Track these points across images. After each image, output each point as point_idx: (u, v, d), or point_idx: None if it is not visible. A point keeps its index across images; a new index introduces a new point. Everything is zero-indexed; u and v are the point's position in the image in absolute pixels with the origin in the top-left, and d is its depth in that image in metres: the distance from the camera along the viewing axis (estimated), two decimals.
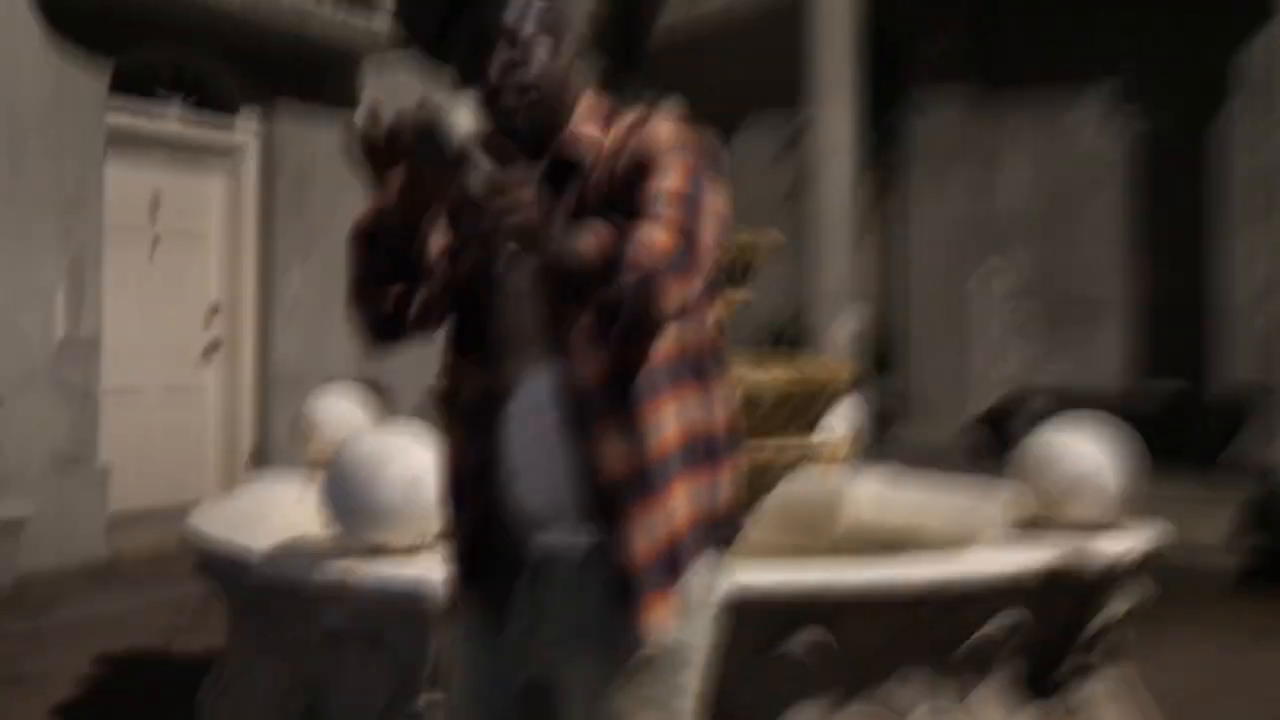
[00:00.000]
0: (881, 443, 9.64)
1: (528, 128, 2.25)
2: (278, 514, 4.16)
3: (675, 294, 2.07)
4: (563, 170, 2.24)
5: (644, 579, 2.16)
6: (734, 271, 4.36)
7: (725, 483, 2.28)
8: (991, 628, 3.52)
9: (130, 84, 8.88)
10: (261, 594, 3.63)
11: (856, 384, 4.95)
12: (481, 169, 2.02)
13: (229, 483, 9.20)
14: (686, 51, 12.07)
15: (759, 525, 4.26)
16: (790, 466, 4.40)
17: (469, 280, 2.29)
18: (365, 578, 3.36)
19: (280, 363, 9.69)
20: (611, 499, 2.17)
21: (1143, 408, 10.37)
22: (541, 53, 2.25)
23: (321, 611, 3.42)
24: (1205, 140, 10.64)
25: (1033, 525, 4.00)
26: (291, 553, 3.63)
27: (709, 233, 2.16)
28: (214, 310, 9.52)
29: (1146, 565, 3.95)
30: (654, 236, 2.06)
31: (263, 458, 9.34)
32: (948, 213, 11.73)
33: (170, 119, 9.25)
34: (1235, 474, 9.20)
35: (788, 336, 10.60)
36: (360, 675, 3.40)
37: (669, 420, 2.19)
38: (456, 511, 2.34)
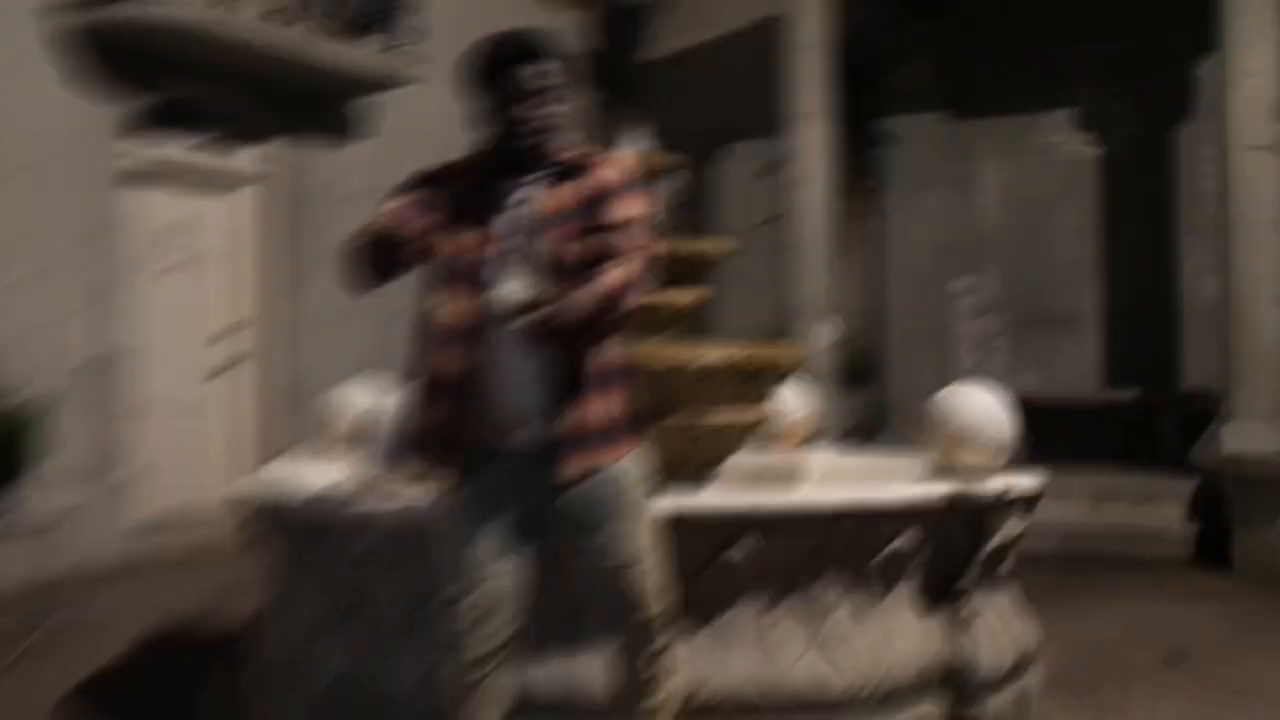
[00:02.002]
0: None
1: (537, 151, 3.57)
2: (307, 477, 5.23)
3: (637, 303, 3.50)
4: (555, 179, 3.58)
5: (571, 446, 3.48)
6: (689, 273, 5.44)
7: (628, 397, 3.58)
8: (898, 545, 4.58)
9: (148, 116, 9.82)
10: (305, 531, 4.71)
11: (804, 365, 5.98)
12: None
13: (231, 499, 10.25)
14: (675, 83, 13.06)
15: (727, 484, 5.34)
16: (743, 432, 5.45)
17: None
18: (388, 510, 4.42)
19: (290, 377, 10.67)
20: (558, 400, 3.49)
21: (1112, 411, 11.47)
22: (559, 101, 3.58)
23: (352, 542, 4.50)
24: (1161, 162, 11.69)
25: (940, 473, 5.08)
26: (323, 499, 4.72)
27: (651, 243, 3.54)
28: (227, 329, 10.55)
29: (1027, 503, 5.02)
30: (628, 272, 3.44)
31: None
32: (923, 232, 12.77)
33: (185, 149, 10.22)
34: (1195, 469, 10.23)
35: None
36: (385, 590, 4.46)
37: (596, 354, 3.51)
38: (434, 407, 3.54)
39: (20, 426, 8.48)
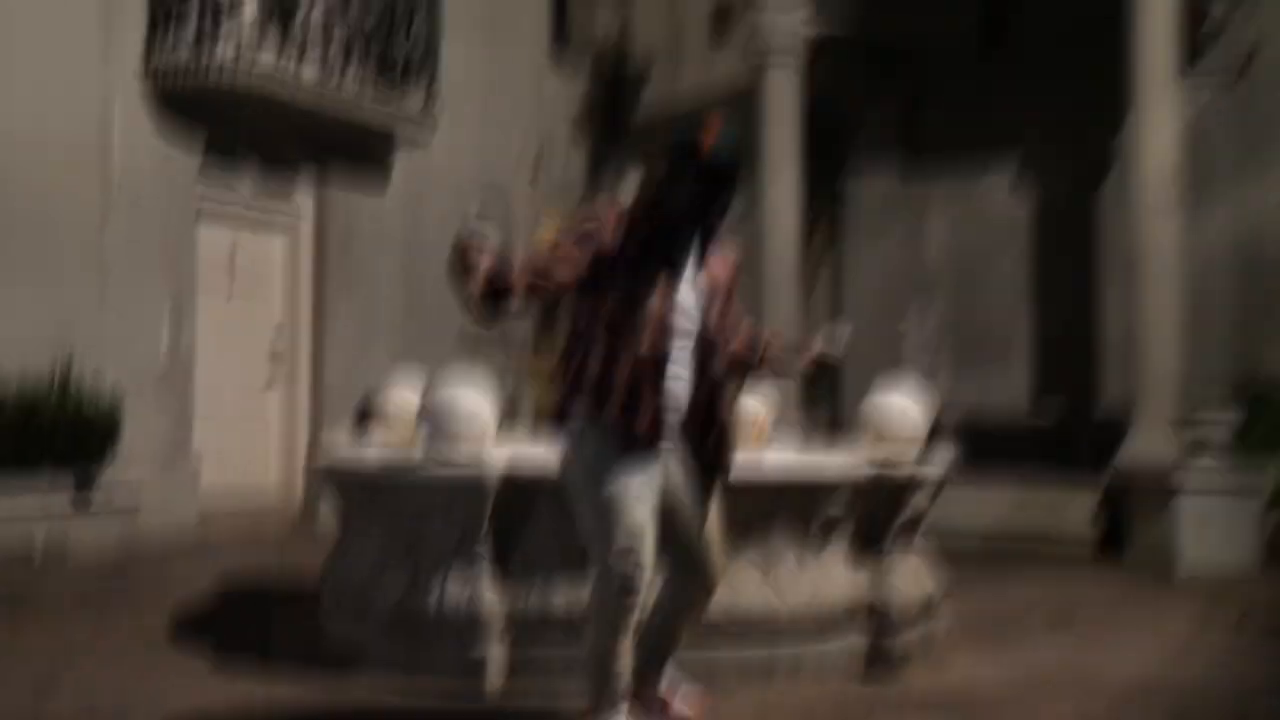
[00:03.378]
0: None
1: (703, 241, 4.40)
2: (373, 450, 6.21)
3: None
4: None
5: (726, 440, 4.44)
6: None
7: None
8: (833, 510, 5.60)
9: (215, 157, 10.72)
10: (375, 485, 5.70)
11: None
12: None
13: (290, 474, 11.20)
14: (662, 129, 13.74)
15: None
16: None
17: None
18: (444, 472, 5.41)
19: (329, 380, 11.59)
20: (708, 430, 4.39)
21: (1041, 423, 12.34)
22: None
23: (416, 492, 5.48)
24: (1087, 211, 12.42)
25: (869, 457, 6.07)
26: (393, 462, 5.71)
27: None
28: (278, 339, 11.48)
29: (937, 483, 6.02)
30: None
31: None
32: (881, 265, 13.57)
33: (245, 186, 11.15)
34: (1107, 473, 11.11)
35: None
36: (439, 533, 5.43)
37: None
38: (639, 406, 4.27)
39: (112, 418, 9.39)
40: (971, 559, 8.35)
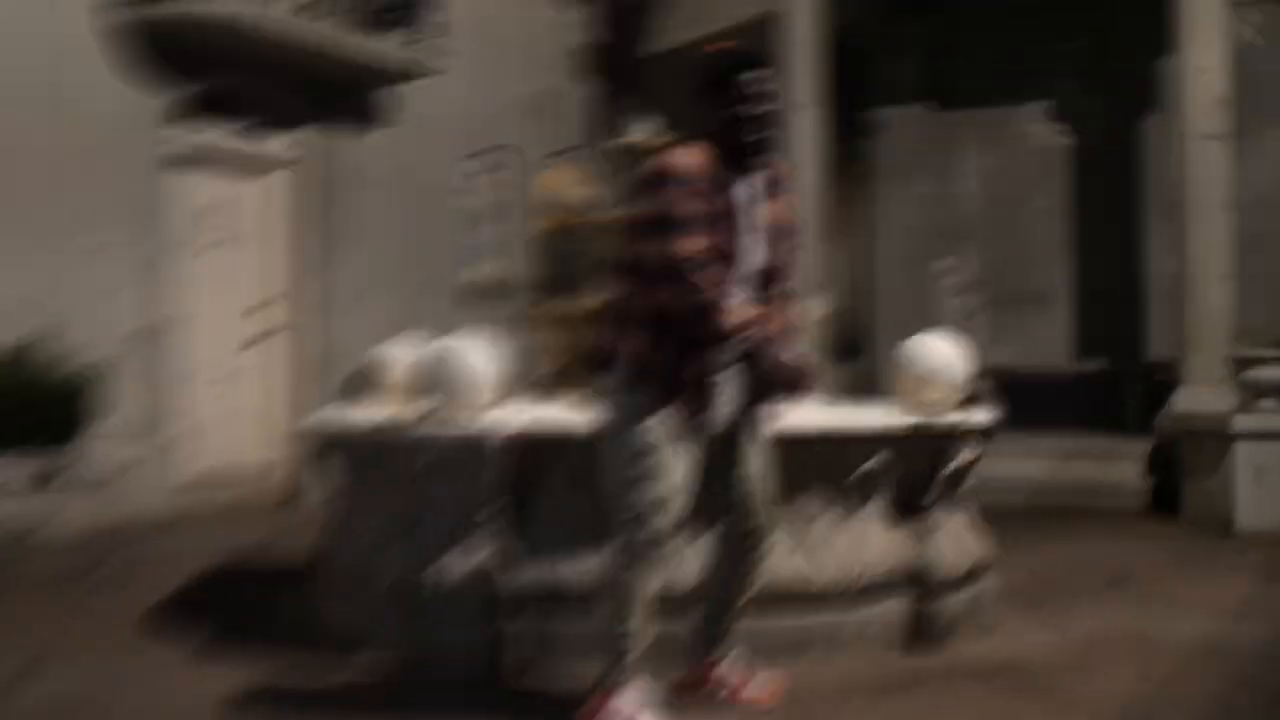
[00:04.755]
0: None
1: (761, 145, 4.44)
2: (368, 413, 6.12)
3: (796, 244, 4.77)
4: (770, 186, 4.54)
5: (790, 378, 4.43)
6: None
7: None
8: (869, 465, 5.50)
9: (191, 103, 10.48)
10: (375, 450, 5.60)
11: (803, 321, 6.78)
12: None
13: (274, 448, 11.10)
14: (675, 75, 13.73)
15: None
16: None
17: None
18: (445, 432, 5.31)
19: (319, 346, 11.42)
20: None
21: (1081, 381, 12.31)
22: (773, 102, 4.49)
23: (417, 457, 5.38)
24: (1128, 150, 12.41)
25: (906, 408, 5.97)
26: (392, 423, 5.61)
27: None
28: (262, 302, 11.33)
29: (982, 434, 5.92)
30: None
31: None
32: (909, 216, 13.55)
33: (225, 135, 10.92)
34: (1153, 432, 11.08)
35: None
36: (442, 500, 5.34)
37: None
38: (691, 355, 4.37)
39: (79, 389, 9.23)
40: (1016, 516, 8.32)
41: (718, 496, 4.55)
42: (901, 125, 13.66)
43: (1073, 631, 5.91)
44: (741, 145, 4.40)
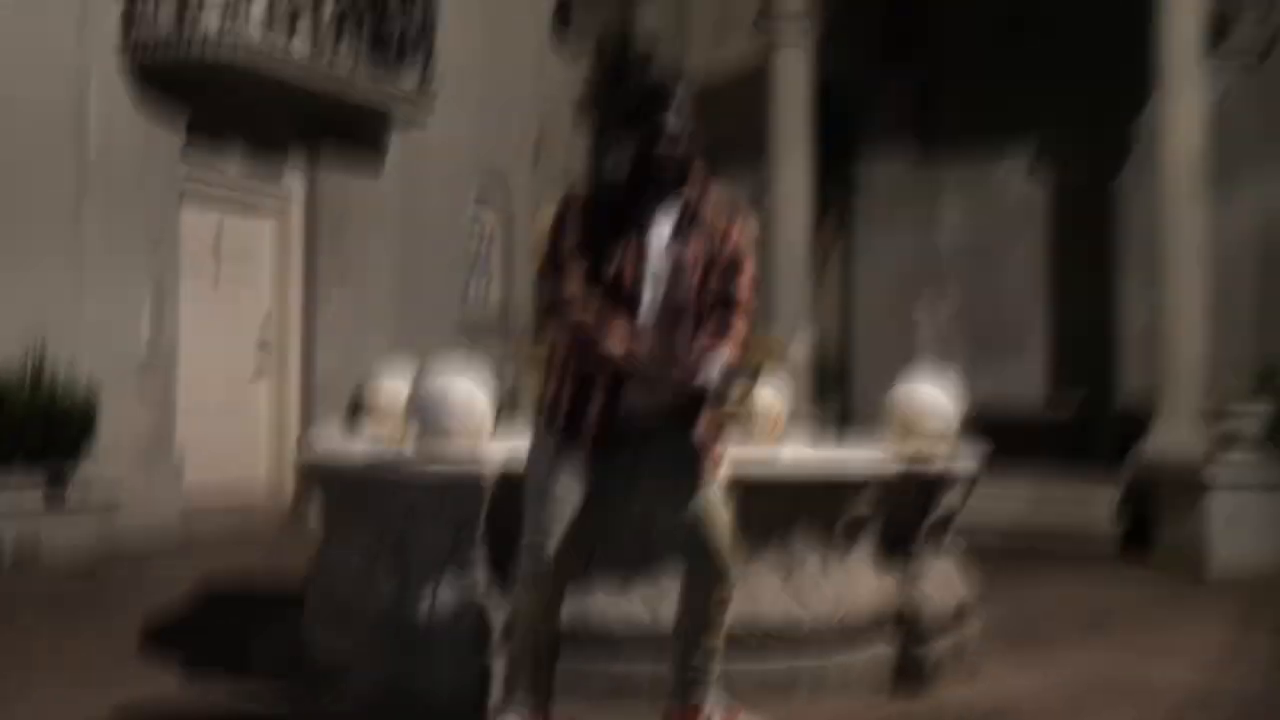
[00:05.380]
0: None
1: (669, 175, 4.01)
2: (359, 445, 5.75)
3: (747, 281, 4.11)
4: (684, 212, 4.05)
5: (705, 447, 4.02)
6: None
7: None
8: (858, 510, 5.13)
9: (200, 136, 10.25)
10: (360, 483, 5.23)
11: (786, 354, 6.47)
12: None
13: (278, 471, 10.75)
14: None
15: None
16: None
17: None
18: (437, 467, 4.94)
19: (320, 371, 11.13)
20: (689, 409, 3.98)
21: (1057, 416, 11.97)
22: (689, 128, 4.02)
23: (404, 491, 5.01)
24: (1109, 192, 12.16)
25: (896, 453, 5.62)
26: (381, 457, 5.23)
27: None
28: (266, 328, 11.02)
29: (968, 480, 5.56)
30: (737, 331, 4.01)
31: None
32: (894, 251, 13.22)
33: (231, 167, 10.68)
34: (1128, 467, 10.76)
35: None
36: (431, 534, 4.97)
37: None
38: (589, 398, 4.01)
39: (89, 410, 8.92)
40: (990, 557, 7.80)
41: (670, 536, 4.17)
42: (885, 170, 13.35)
43: (1058, 676, 5.54)
44: (650, 167, 4.00)
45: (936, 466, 5.37)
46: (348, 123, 11.37)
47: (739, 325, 4.03)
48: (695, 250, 4.03)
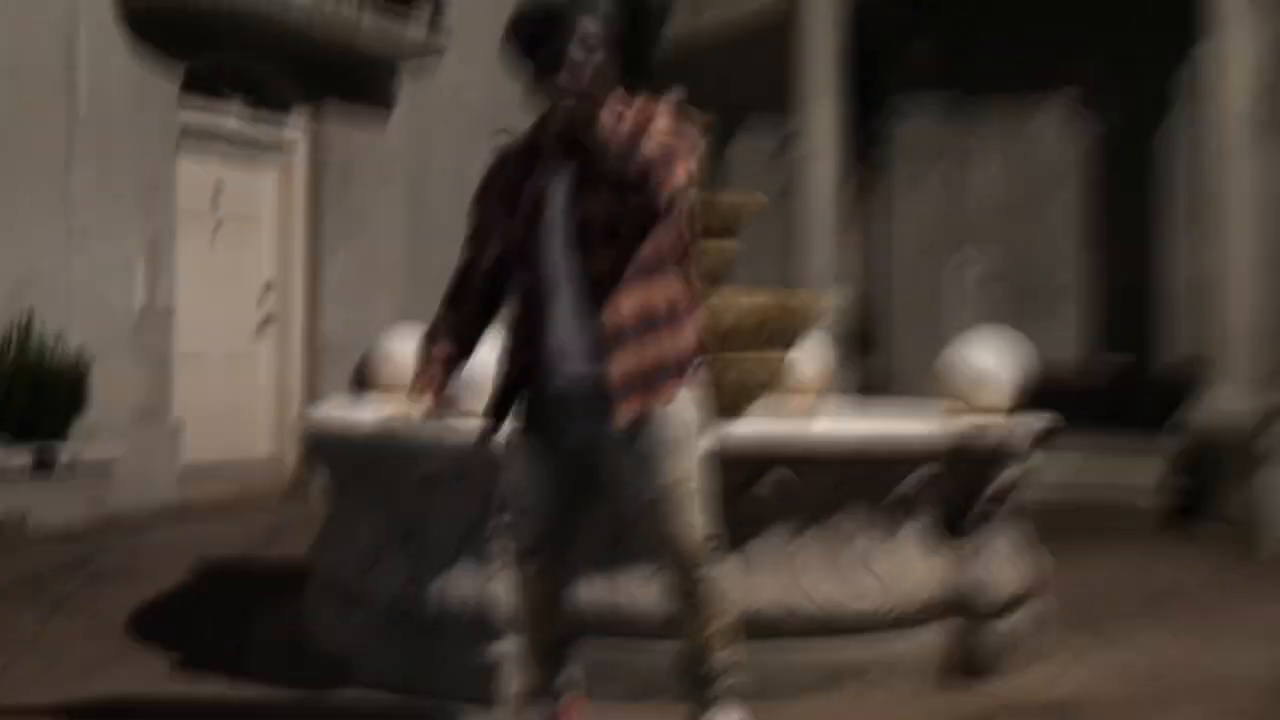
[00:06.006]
0: None
1: (574, 108, 3.52)
2: (367, 410, 5.38)
3: (680, 177, 3.45)
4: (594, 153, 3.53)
5: (618, 393, 3.51)
6: (725, 225, 5.53)
7: (686, 336, 3.61)
8: (913, 480, 4.74)
9: (198, 85, 9.89)
10: (370, 454, 4.86)
11: (829, 314, 6.06)
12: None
13: (281, 439, 10.39)
14: (688, 62, 13.05)
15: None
16: (771, 376, 5.59)
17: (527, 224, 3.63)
18: (457, 430, 4.56)
19: (326, 334, 10.77)
20: (609, 347, 3.51)
21: (1098, 380, 11.57)
22: (596, 59, 3.54)
23: (420, 460, 4.63)
24: (1152, 144, 11.70)
25: (952, 416, 5.24)
26: (393, 421, 4.85)
27: (688, 169, 3.50)
28: (268, 288, 10.67)
29: (1033, 444, 5.18)
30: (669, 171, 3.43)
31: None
32: (925, 208, 12.79)
33: (231, 117, 10.31)
34: (1173, 434, 10.39)
35: None
36: (448, 507, 4.60)
37: (645, 296, 3.54)
38: (515, 364, 3.66)
39: (80, 372, 8.59)
40: (1038, 515, 7.54)
41: (633, 523, 3.74)
42: (919, 114, 12.87)
43: (1123, 663, 5.18)
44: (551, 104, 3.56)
45: (995, 436, 4.98)
46: (353, 71, 10.99)
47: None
48: (605, 202, 3.51)
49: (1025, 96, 12.31)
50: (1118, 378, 11.59)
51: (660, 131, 3.45)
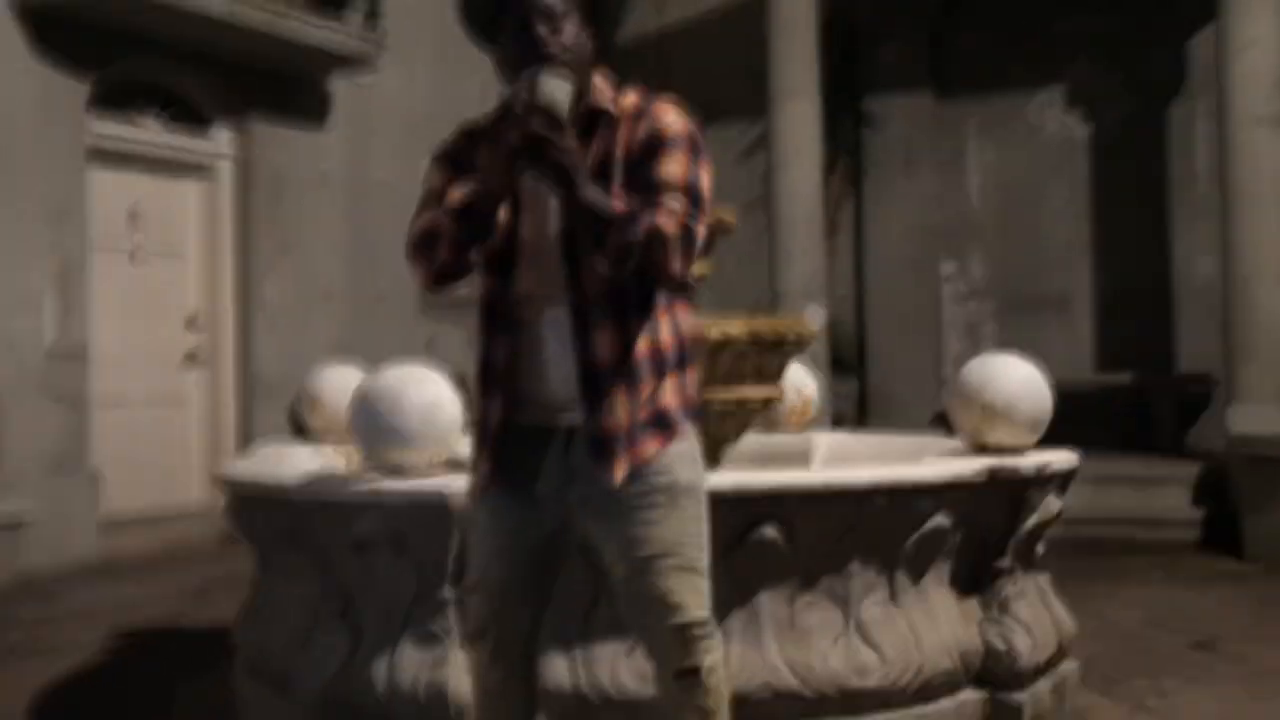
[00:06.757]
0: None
1: (555, 59, 2.97)
2: (295, 462, 4.90)
3: (678, 264, 2.90)
4: (588, 124, 3.03)
5: (613, 444, 2.98)
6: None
7: (686, 384, 3.10)
8: (934, 523, 4.28)
9: (111, 97, 9.50)
10: (297, 516, 4.36)
11: (811, 341, 5.65)
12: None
13: (213, 486, 9.88)
14: (654, 59, 12.66)
15: (737, 464, 5.05)
16: (759, 409, 5.16)
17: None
18: (394, 488, 4.09)
19: (260, 367, 10.32)
20: (597, 386, 2.99)
21: (1106, 396, 11.14)
22: (571, 29, 3.02)
23: (354, 522, 4.15)
24: (1155, 138, 11.38)
25: (969, 448, 4.80)
26: (322, 478, 4.38)
27: (704, 222, 2.99)
28: (194, 318, 10.18)
29: (1064, 480, 4.74)
30: (666, 219, 2.86)
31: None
32: (908, 214, 12.40)
33: (149, 131, 9.88)
34: (1196, 453, 10.00)
35: None
36: (389, 576, 4.13)
37: (645, 334, 3.02)
38: (488, 398, 3.11)
39: None
40: (1056, 551, 7.13)
41: (612, 581, 3.16)
42: (901, 114, 12.48)
43: None
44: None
45: (1029, 465, 4.53)
46: (281, 80, 10.56)
47: (674, 206, 2.92)
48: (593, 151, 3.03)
49: (1014, 91, 12.04)
50: (1127, 395, 11.18)
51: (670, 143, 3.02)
